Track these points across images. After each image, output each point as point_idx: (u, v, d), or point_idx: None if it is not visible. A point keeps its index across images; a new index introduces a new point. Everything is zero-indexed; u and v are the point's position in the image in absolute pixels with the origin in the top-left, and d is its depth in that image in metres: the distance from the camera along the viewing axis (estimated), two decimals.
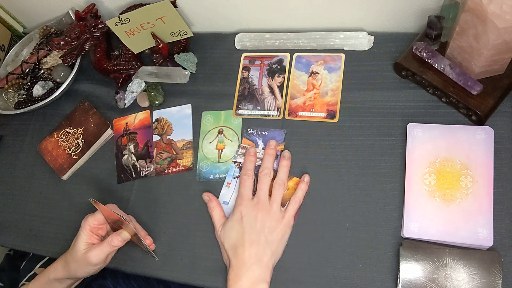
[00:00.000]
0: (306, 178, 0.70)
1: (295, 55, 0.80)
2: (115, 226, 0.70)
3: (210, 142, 0.78)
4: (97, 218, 0.70)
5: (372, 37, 0.76)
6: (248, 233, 0.64)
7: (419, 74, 0.68)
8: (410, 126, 0.67)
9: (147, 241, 0.71)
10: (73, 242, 0.70)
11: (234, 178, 0.73)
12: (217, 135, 0.78)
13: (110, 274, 0.84)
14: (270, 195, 0.68)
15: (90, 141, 0.83)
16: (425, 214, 0.62)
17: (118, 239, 0.68)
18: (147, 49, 0.86)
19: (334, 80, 0.76)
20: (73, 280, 0.73)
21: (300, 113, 0.75)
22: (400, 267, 0.60)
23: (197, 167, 0.76)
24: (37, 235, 0.81)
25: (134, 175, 0.79)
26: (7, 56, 0.96)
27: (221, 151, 0.76)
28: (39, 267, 0.88)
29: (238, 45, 0.84)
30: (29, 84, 0.91)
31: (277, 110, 0.77)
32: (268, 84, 0.79)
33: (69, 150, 0.84)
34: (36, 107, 0.87)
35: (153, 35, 0.81)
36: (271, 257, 0.64)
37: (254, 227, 0.65)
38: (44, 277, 0.72)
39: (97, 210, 0.70)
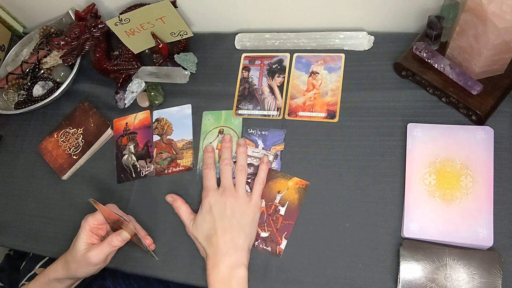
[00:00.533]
0: (266, 159, 0.72)
1: (295, 55, 0.80)
2: (115, 226, 0.70)
3: (211, 142, 0.78)
4: (97, 218, 0.70)
5: (372, 37, 0.76)
6: (219, 220, 0.65)
7: (419, 74, 0.68)
8: (410, 126, 0.67)
9: (147, 241, 0.71)
10: (73, 242, 0.70)
11: (233, 178, 0.73)
12: (218, 135, 0.78)
13: (110, 274, 0.83)
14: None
15: (90, 141, 0.83)
16: (425, 214, 0.62)
17: (118, 239, 0.68)
18: (147, 49, 0.86)
19: (334, 80, 0.76)
20: (73, 280, 0.73)
21: (300, 113, 0.75)
22: (400, 267, 0.60)
23: (198, 167, 0.76)
24: (37, 235, 0.81)
25: (134, 175, 0.79)
26: (7, 56, 0.96)
27: None
28: (39, 267, 0.88)
29: (238, 45, 0.84)
30: (29, 84, 0.91)
31: (277, 110, 0.77)
32: (268, 84, 0.79)
33: (69, 150, 0.84)
34: (36, 107, 0.87)
35: (153, 35, 0.81)
36: (246, 240, 0.65)
37: (224, 214, 0.66)
38: (44, 277, 0.72)
39: (97, 210, 0.70)
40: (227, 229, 0.65)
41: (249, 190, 0.70)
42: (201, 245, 0.67)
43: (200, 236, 0.67)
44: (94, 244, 0.69)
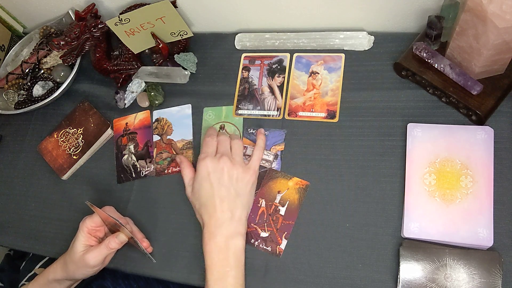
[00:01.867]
0: (262, 130, 0.73)
1: (295, 55, 0.80)
2: (113, 228, 0.70)
3: None
4: (95, 220, 0.69)
5: (372, 37, 0.76)
6: (217, 188, 0.65)
7: (419, 74, 0.68)
8: (410, 126, 0.67)
9: (144, 244, 0.71)
10: (71, 244, 0.70)
11: None
12: (219, 131, 0.78)
13: (110, 274, 0.83)
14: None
15: (90, 141, 0.83)
16: (425, 214, 0.62)
17: (116, 242, 0.68)
18: (147, 49, 0.86)
19: (334, 80, 0.76)
20: (71, 281, 0.73)
21: (300, 113, 0.75)
22: (400, 267, 0.60)
23: None
24: (37, 235, 0.81)
25: (134, 175, 0.79)
26: (7, 56, 0.96)
27: None
28: (39, 267, 0.88)
29: (238, 45, 0.84)
30: (29, 84, 0.91)
31: (277, 110, 0.77)
32: (268, 84, 0.79)
33: (69, 150, 0.84)
34: (36, 107, 0.87)
35: (153, 35, 0.81)
36: (243, 210, 0.65)
37: (222, 181, 0.65)
38: (44, 278, 0.72)
39: (95, 212, 0.70)
40: (224, 198, 0.64)
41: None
42: (197, 211, 0.67)
43: (197, 202, 0.67)
44: (92, 246, 0.69)
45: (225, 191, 0.65)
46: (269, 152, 0.73)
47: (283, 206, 0.69)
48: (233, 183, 0.66)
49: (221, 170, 0.66)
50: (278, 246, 0.68)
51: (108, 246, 0.68)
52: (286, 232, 0.68)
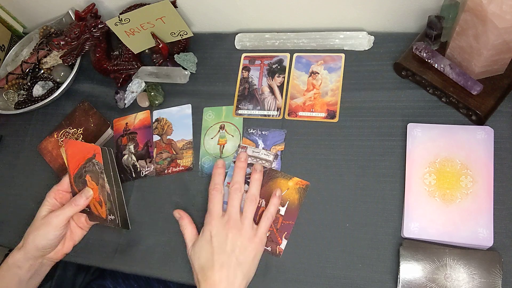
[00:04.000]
0: (278, 192, 0.67)
1: (295, 55, 0.80)
2: (79, 189, 0.70)
3: (212, 138, 0.78)
4: (62, 183, 0.69)
5: (372, 37, 0.76)
6: (217, 254, 0.61)
7: (419, 74, 0.68)
8: (410, 126, 0.67)
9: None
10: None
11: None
12: (219, 131, 0.78)
13: (110, 274, 0.84)
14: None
15: (90, 141, 0.83)
16: (425, 214, 0.62)
17: (82, 197, 0.66)
18: (147, 49, 0.86)
19: (334, 80, 0.76)
20: (32, 260, 0.68)
21: (300, 113, 0.75)
22: (400, 267, 0.60)
23: (200, 162, 0.76)
24: None
25: (134, 175, 0.79)
26: (7, 56, 0.96)
27: (223, 147, 0.77)
28: None
29: (238, 45, 0.84)
30: (29, 84, 0.91)
31: (277, 110, 0.77)
32: (268, 84, 0.79)
33: None
34: (36, 107, 0.87)
35: (153, 35, 0.81)
36: (243, 280, 0.61)
37: (224, 248, 0.61)
38: (4, 264, 0.68)
39: (63, 177, 0.69)
40: (224, 265, 0.60)
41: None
42: (195, 272, 0.64)
43: (196, 263, 0.63)
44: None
45: (226, 258, 0.61)
46: (269, 152, 0.73)
47: (283, 206, 0.69)
48: (236, 251, 0.61)
49: (225, 236, 0.62)
50: (278, 246, 0.68)
51: (73, 203, 0.65)
52: (286, 232, 0.68)
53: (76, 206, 0.65)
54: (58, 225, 0.65)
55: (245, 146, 0.75)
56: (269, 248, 0.68)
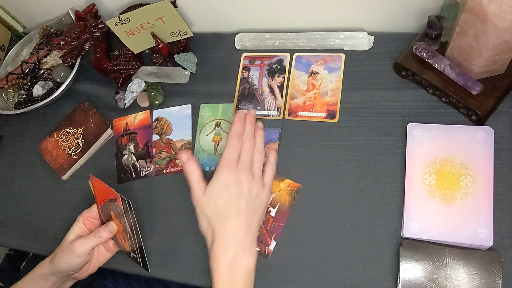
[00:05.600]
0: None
1: (295, 55, 0.80)
2: (106, 219, 0.71)
3: (207, 135, 0.78)
4: (91, 210, 0.70)
5: (372, 37, 0.76)
6: (236, 201, 0.61)
7: (419, 74, 0.68)
8: (410, 126, 0.67)
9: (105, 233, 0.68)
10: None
11: None
12: (215, 128, 0.78)
13: (111, 274, 0.84)
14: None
15: (90, 141, 0.83)
16: (425, 214, 0.62)
17: (106, 231, 0.67)
18: (147, 49, 0.86)
19: (334, 80, 0.76)
20: (57, 277, 0.70)
21: (300, 113, 0.75)
22: (400, 267, 0.60)
23: (197, 157, 0.76)
24: (37, 235, 0.81)
25: (134, 175, 0.79)
26: (7, 56, 0.96)
27: (218, 144, 0.77)
28: None
29: (238, 45, 0.84)
30: (29, 84, 0.91)
31: (277, 110, 0.77)
32: (268, 84, 0.79)
33: (69, 150, 0.84)
34: (36, 107, 0.87)
35: (153, 35, 0.81)
36: (257, 227, 0.62)
37: (242, 195, 0.61)
38: (31, 273, 0.70)
39: (92, 205, 0.70)
40: (242, 213, 0.60)
41: None
42: (207, 219, 0.62)
43: (211, 209, 0.61)
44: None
45: (244, 205, 0.61)
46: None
47: (273, 208, 0.69)
48: (252, 199, 0.62)
49: (242, 184, 0.61)
50: (266, 247, 0.68)
51: (97, 234, 0.67)
52: (275, 234, 0.68)
53: (99, 238, 0.67)
54: (81, 254, 0.67)
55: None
56: (258, 249, 0.67)
